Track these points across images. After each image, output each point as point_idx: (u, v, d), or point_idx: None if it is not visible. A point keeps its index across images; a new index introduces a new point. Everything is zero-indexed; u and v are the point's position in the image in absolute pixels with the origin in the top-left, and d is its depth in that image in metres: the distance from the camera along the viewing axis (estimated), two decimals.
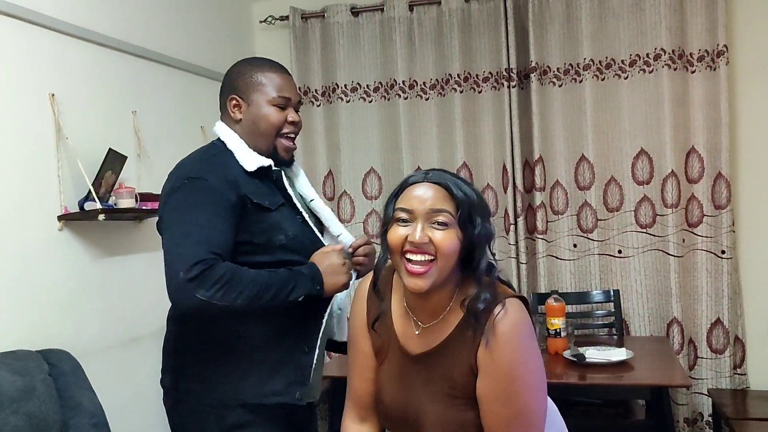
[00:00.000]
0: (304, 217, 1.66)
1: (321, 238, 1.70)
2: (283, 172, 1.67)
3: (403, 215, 1.26)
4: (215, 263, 1.42)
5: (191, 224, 1.46)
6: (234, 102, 1.65)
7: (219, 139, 1.67)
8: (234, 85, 1.66)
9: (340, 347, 1.74)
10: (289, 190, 1.66)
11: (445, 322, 1.30)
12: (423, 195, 1.25)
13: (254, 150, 1.63)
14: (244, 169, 1.58)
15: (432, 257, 1.23)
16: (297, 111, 1.69)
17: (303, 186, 1.78)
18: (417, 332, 1.33)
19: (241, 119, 1.64)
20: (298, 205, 1.67)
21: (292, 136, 1.69)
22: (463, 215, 1.24)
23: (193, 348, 1.59)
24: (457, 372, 1.27)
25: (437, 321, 1.31)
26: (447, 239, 1.22)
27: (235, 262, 1.49)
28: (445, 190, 1.25)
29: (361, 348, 1.41)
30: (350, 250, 1.70)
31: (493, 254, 1.33)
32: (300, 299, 1.51)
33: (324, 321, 1.63)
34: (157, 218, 1.61)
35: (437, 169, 1.34)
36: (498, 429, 1.23)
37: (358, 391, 1.42)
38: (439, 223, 1.23)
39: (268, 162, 1.62)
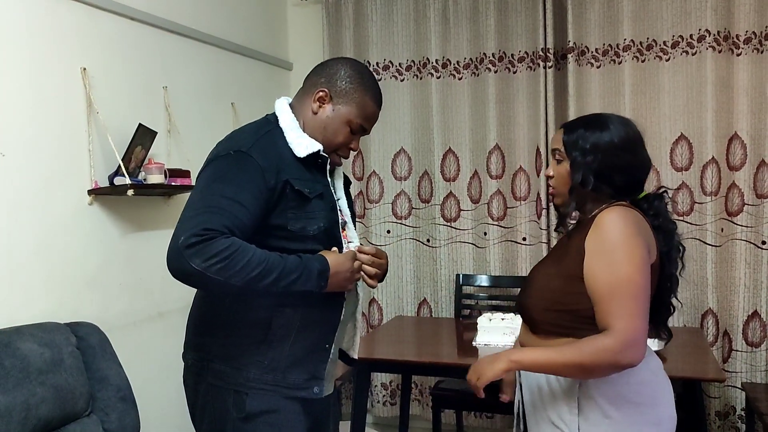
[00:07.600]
0: (336, 209, 1.63)
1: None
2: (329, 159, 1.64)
3: None
4: (219, 236, 1.38)
5: (216, 194, 1.44)
6: (321, 95, 1.60)
7: (274, 114, 1.63)
8: (334, 82, 1.60)
9: (353, 361, 1.79)
10: (329, 179, 1.64)
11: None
12: None
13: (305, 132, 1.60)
14: (292, 151, 1.55)
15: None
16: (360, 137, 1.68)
17: (336, 181, 1.74)
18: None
19: (315, 113, 1.60)
20: (334, 196, 1.65)
21: (345, 155, 1.70)
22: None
23: (222, 329, 1.56)
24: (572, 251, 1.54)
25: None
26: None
27: (266, 246, 1.46)
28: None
29: None
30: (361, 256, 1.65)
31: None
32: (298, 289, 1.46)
33: (341, 316, 1.62)
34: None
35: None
36: (602, 296, 1.45)
37: None
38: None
39: (317, 146, 1.58)
